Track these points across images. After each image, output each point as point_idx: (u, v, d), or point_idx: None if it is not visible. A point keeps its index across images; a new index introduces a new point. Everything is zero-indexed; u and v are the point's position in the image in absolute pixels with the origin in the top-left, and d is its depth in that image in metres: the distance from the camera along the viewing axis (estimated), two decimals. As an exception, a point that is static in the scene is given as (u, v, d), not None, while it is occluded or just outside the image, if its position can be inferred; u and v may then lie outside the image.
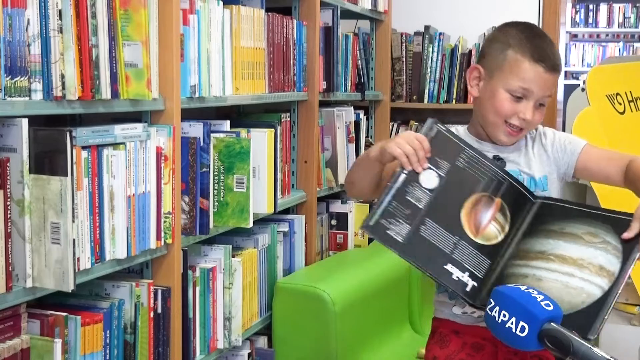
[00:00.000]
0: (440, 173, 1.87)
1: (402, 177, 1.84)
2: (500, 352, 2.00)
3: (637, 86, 3.43)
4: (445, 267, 1.81)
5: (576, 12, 10.42)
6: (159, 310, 2.33)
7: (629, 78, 3.42)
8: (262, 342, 3.04)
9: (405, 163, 1.85)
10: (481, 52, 2.15)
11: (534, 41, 2.04)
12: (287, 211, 3.27)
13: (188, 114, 2.46)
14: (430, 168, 1.86)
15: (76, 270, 1.91)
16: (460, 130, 2.12)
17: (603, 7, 10.44)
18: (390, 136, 4.42)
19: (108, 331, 2.14)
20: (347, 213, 3.70)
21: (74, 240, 1.88)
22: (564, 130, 3.98)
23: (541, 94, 2.02)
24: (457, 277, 1.81)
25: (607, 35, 10.70)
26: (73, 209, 1.87)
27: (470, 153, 1.93)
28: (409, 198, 1.84)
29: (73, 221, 1.87)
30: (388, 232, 1.81)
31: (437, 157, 1.88)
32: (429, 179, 1.87)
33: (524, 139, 2.12)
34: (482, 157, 1.94)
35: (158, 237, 2.28)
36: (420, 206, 1.84)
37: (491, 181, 1.92)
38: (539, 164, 2.11)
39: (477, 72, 2.10)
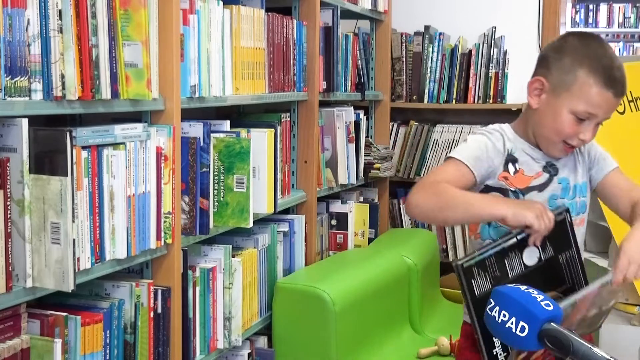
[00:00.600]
0: (542, 257, 1.91)
1: (513, 241, 1.87)
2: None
3: (637, 86, 3.43)
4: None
5: (576, 12, 10.42)
6: (159, 310, 2.33)
7: (629, 78, 3.41)
8: (262, 342, 3.04)
9: (535, 238, 1.86)
10: (544, 62, 2.05)
11: (606, 62, 1.97)
12: (287, 211, 3.27)
13: (188, 114, 2.46)
14: (537, 247, 1.89)
15: (76, 270, 1.91)
16: (507, 132, 2.10)
17: (603, 7, 10.44)
18: (391, 136, 4.43)
19: (108, 331, 2.14)
20: (347, 213, 3.70)
21: (74, 240, 1.88)
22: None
23: (604, 117, 2.00)
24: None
25: (607, 35, 10.69)
26: (73, 209, 1.87)
27: (574, 255, 1.96)
28: (506, 262, 1.87)
29: (73, 221, 1.87)
30: (472, 280, 1.83)
31: (547, 241, 1.91)
32: (531, 256, 1.90)
33: None
34: (581, 265, 1.97)
35: (158, 237, 2.28)
36: (510, 275, 1.86)
37: (572, 288, 1.94)
38: (581, 170, 2.13)
39: (540, 84, 2.03)
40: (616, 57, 2.01)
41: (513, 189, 2.06)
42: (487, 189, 2.07)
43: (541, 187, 2.08)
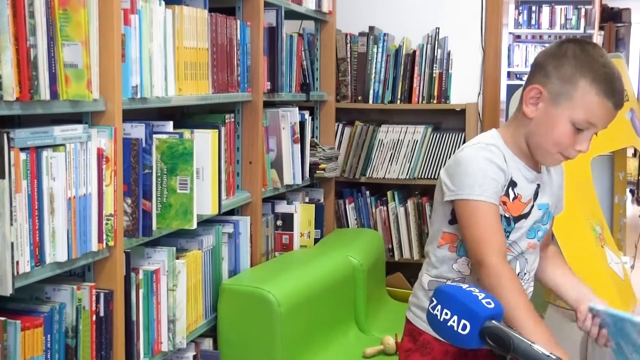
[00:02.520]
0: None
1: None
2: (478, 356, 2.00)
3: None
4: None
5: (519, 14, 10.56)
6: (102, 314, 2.30)
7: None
8: (207, 344, 3.02)
9: None
10: (542, 70, 2.00)
11: (608, 72, 1.94)
12: (232, 212, 3.25)
13: (130, 115, 2.44)
14: None
15: (15, 273, 1.88)
16: (503, 149, 2.02)
17: (545, 9, 10.60)
18: (336, 136, 4.44)
19: (49, 335, 2.11)
20: (292, 214, 3.69)
21: (12, 243, 1.85)
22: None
23: (601, 128, 1.97)
24: None
25: (549, 36, 10.86)
26: (11, 211, 1.84)
27: None
28: None
29: (11, 224, 1.84)
30: None
31: None
32: None
33: None
34: None
35: (100, 240, 2.25)
36: None
37: None
38: (555, 194, 2.15)
39: (538, 92, 1.98)
40: (616, 67, 1.97)
41: (507, 216, 2.02)
42: None
43: (527, 215, 2.06)
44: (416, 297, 2.18)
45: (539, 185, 2.07)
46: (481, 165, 1.96)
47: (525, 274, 2.10)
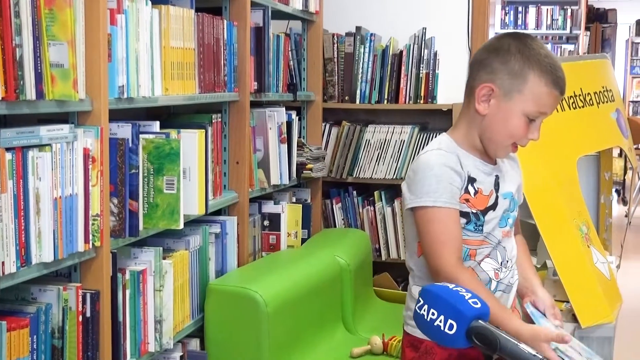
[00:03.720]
0: None
1: None
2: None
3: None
4: None
5: (505, 14, 10.59)
6: (88, 314, 2.29)
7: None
8: (194, 344, 3.02)
9: None
10: (487, 67, 2.06)
11: (551, 63, 2.03)
12: (219, 212, 3.25)
13: (117, 115, 2.43)
14: None
15: (1, 274, 1.88)
16: (457, 150, 2.09)
17: (532, 9, 10.64)
18: (323, 136, 4.44)
19: (35, 336, 2.10)
20: (279, 214, 3.69)
21: (-2, 243, 1.84)
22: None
23: (550, 114, 2.06)
24: None
25: (535, 36, 10.89)
26: (-3, 212, 1.83)
27: None
28: None
29: (-3, 224, 1.83)
30: None
31: None
32: None
33: None
34: None
35: (86, 240, 2.25)
36: None
37: None
38: (517, 181, 2.21)
39: (489, 90, 2.04)
40: (555, 56, 2.09)
41: (474, 211, 2.07)
42: None
43: (494, 206, 2.11)
44: (409, 309, 2.19)
45: (497, 176, 2.13)
46: (435, 172, 2.03)
47: (507, 261, 2.15)
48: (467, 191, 2.06)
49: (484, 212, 2.09)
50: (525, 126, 2.03)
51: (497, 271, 2.12)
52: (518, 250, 2.24)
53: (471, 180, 2.07)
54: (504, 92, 2.03)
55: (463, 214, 2.06)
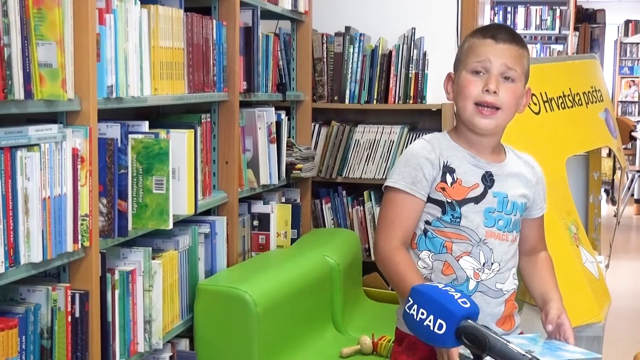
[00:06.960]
0: None
1: None
2: None
3: (552, 87, 3.50)
4: None
5: (494, 14, 10.62)
6: (77, 315, 2.29)
7: (544, 79, 3.49)
8: (183, 344, 3.01)
9: None
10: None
11: (486, 25, 2.18)
12: (208, 212, 3.24)
13: (106, 115, 2.43)
14: None
15: (-11, 275, 1.87)
16: (442, 141, 2.16)
17: (521, 10, 10.67)
18: (312, 136, 4.44)
19: (24, 336, 2.09)
20: (269, 214, 3.69)
21: (-14, 244, 1.83)
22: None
23: (499, 64, 2.08)
24: None
25: (524, 37, 10.90)
26: (-15, 212, 1.82)
27: None
28: None
29: (-15, 225, 1.83)
30: None
31: None
32: None
33: (511, 154, 2.21)
34: None
35: (75, 240, 2.24)
36: None
37: None
38: (527, 191, 2.20)
39: (449, 77, 2.19)
40: (504, 24, 2.23)
41: (450, 200, 2.08)
42: (428, 200, 2.10)
43: (477, 200, 2.11)
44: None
45: (490, 173, 2.13)
46: (406, 157, 2.13)
47: (492, 263, 2.12)
48: (443, 180, 2.09)
49: (461, 203, 2.09)
50: (472, 81, 2.08)
51: (477, 271, 2.09)
52: (539, 266, 2.25)
53: (449, 170, 2.10)
54: (455, 70, 2.17)
55: (438, 203, 2.09)
